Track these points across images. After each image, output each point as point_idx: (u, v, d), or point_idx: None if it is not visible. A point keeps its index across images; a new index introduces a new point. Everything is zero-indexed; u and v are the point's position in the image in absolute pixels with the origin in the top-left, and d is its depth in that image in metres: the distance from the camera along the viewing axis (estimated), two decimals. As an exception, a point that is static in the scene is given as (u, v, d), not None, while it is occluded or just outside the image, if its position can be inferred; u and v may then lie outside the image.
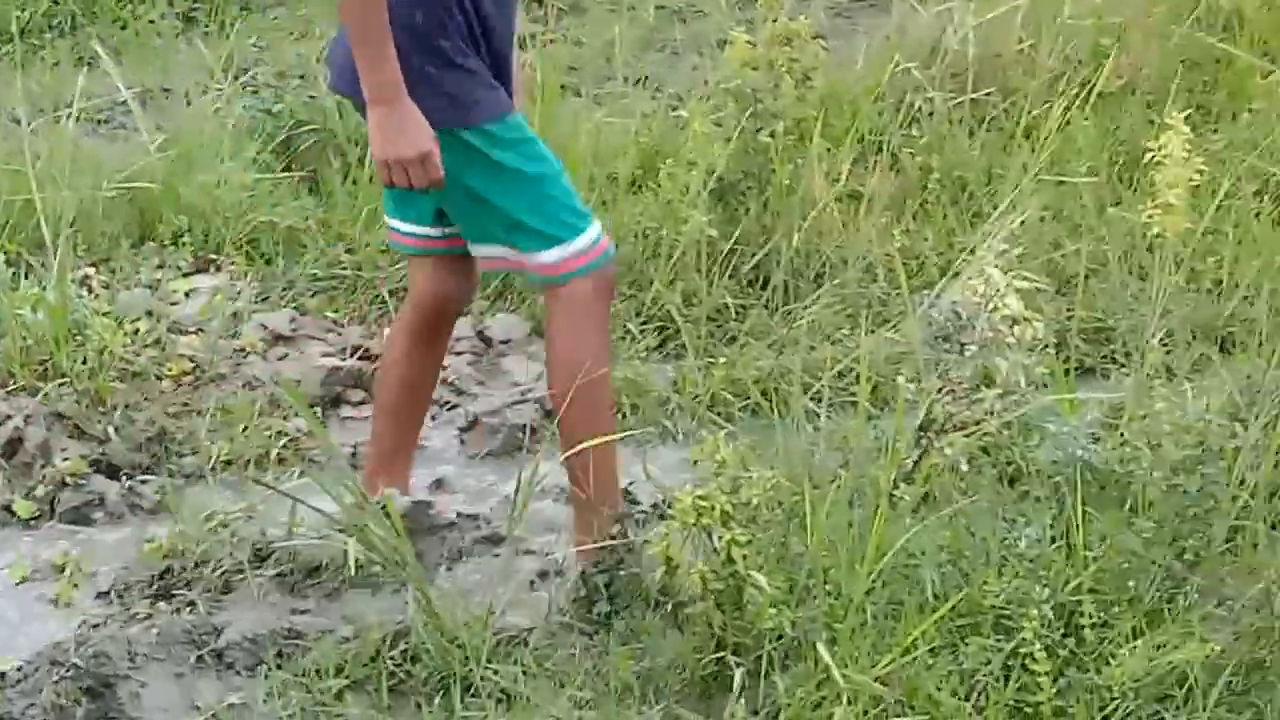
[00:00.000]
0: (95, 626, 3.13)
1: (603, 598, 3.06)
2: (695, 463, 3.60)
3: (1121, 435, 3.49)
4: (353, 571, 3.12)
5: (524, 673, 2.95)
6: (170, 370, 3.98)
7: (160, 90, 5.48)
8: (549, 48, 5.74)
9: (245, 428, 3.77)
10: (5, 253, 4.30)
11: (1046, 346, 3.34)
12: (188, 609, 3.16)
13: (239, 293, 4.37)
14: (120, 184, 4.62)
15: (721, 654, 2.94)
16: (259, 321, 4.25)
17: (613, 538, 3.04)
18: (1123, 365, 4.04)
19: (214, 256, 4.56)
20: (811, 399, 3.67)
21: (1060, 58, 5.16)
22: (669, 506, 3.06)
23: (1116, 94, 5.09)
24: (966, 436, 3.31)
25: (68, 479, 3.58)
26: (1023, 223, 4.18)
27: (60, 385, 3.84)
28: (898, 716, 2.82)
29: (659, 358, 4.16)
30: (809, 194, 4.41)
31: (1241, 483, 3.24)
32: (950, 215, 4.59)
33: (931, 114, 4.89)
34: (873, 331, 4.01)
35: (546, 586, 3.23)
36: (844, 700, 2.81)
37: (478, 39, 3.06)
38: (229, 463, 3.67)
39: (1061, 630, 3.01)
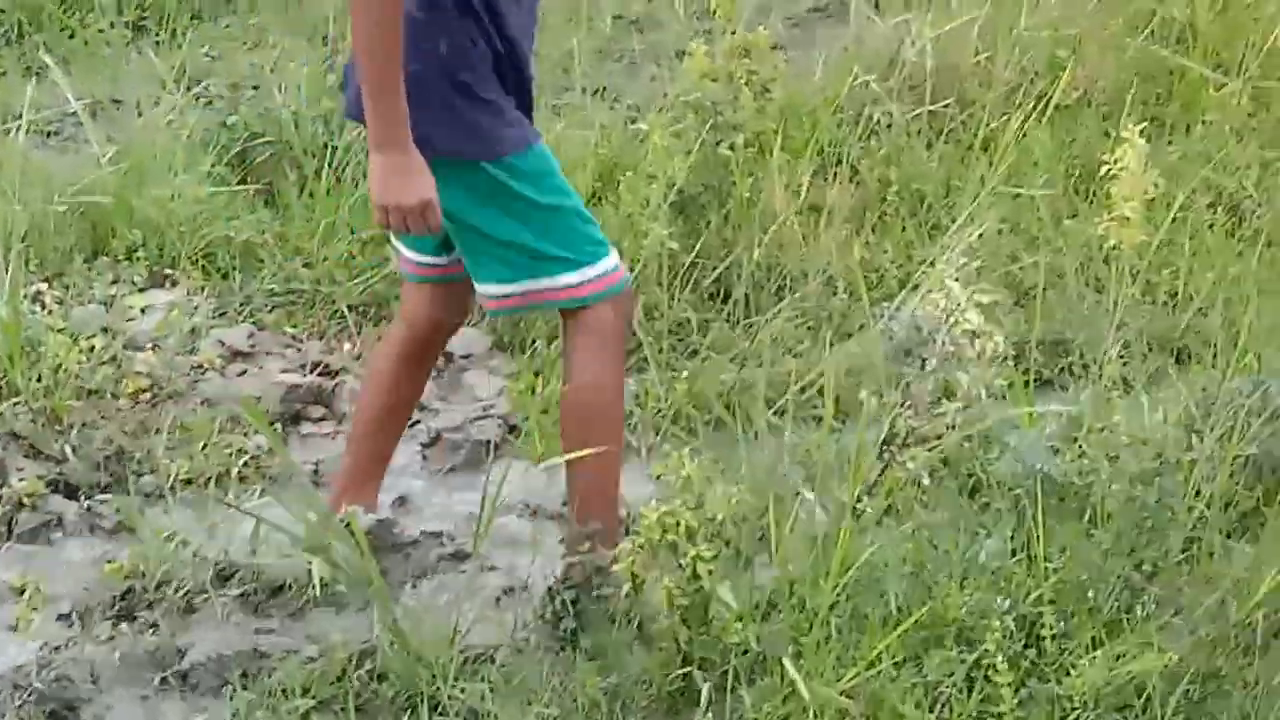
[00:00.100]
0: (57, 649, 3.11)
1: (569, 614, 3.06)
2: (658, 477, 3.63)
3: (1080, 448, 3.53)
4: (317, 591, 3.11)
5: (491, 691, 2.95)
6: (127, 388, 3.94)
7: (110, 101, 5.42)
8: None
9: (205, 445, 3.74)
10: (-45, 269, 4.25)
11: (1006, 359, 3.36)
12: (150, 630, 3.14)
13: (196, 308, 4.33)
14: (72, 197, 4.56)
15: (688, 669, 2.95)
16: (217, 337, 4.21)
17: (581, 554, 3.03)
18: (1080, 377, 4.07)
19: (169, 271, 4.51)
20: (774, 413, 3.68)
21: (1017, 69, 5.19)
22: (634, 522, 3.06)
23: (1072, 106, 5.14)
24: (928, 450, 3.33)
25: (25, 500, 3.54)
26: (981, 235, 4.21)
27: (15, 404, 3.80)
28: (864, 729, 2.84)
29: (621, 371, 4.15)
30: (769, 207, 4.43)
31: (1197, 494, 3.27)
32: (909, 227, 4.62)
33: (890, 126, 4.91)
34: (834, 344, 4.02)
35: (512, 603, 3.23)
36: (810, 714, 2.83)
37: (504, 69, 3.01)
38: (189, 481, 3.63)
39: (1023, 641, 3.05)
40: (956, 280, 3.36)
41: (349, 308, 4.37)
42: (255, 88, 5.33)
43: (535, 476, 3.66)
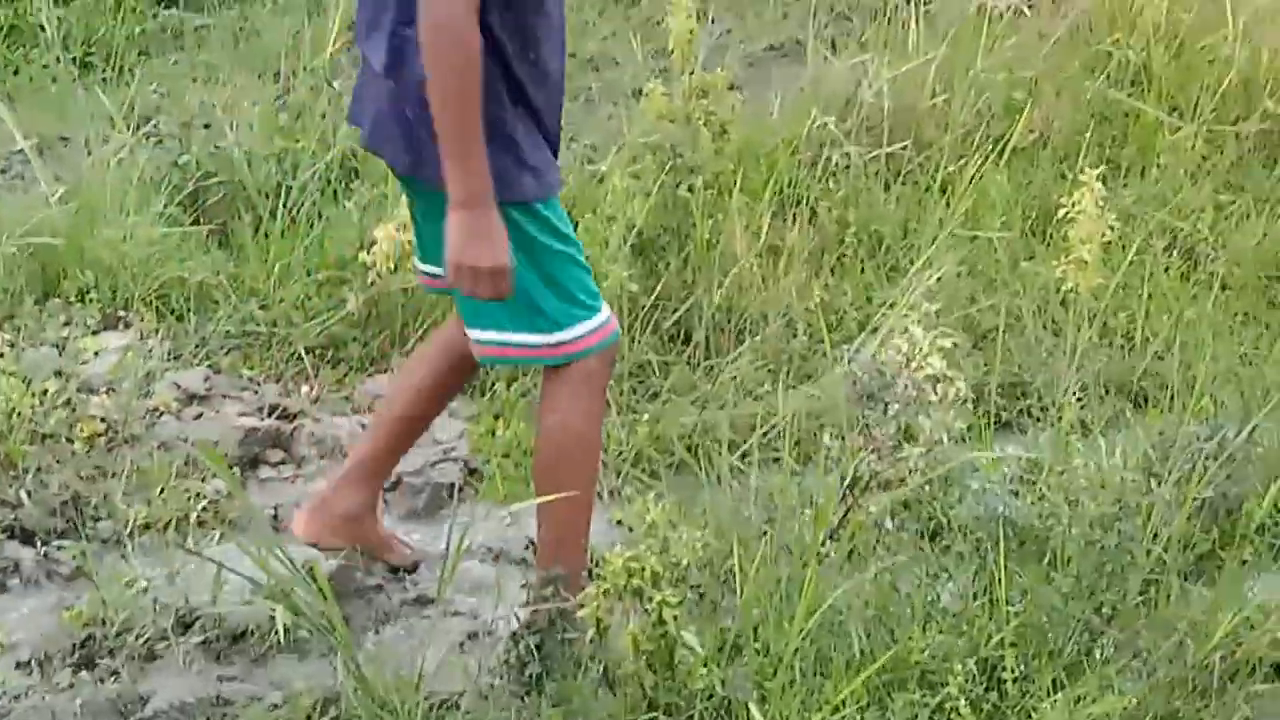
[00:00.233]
0: (16, 698, 3.07)
1: (534, 659, 3.05)
2: (619, 522, 3.63)
3: (1040, 491, 3.55)
4: (280, 637, 3.09)
5: (456, 737, 2.94)
6: (82, 432, 3.89)
7: (59, 139, 5.37)
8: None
9: (162, 490, 3.70)
10: (-97, 312, 4.20)
11: (966, 402, 3.38)
12: (111, 678, 3.11)
13: (150, 351, 4.28)
14: (21, 238, 4.48)
15: (654, 714, 2.94)
16: (172, 380, 4.17)
17: (546, 600, 3.02)
18: (1039, 419, 4.09)
19: (122, 313, 4.46)
20: (738, 456, 3.69)
21: (973, 111, 5.23)
22: (598, 566, 3.06)
23: (1029, 148, 5.18)
24: (891, 494, 3.34)
25: (-20, 546, 3.51)
26: (939, 278, 4.24)
27: (-32, 450, 3.76)
28: (829, 775, 2.84)
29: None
30: (729, 248, 4.43)
31: (1155, 537, 3.30)
32: (868, 269, 4.64)
33: (848, 167, 4.93)
34: (794, 387, 4.03)
35: (476, 648, 3.21)
36: (776, 759, 2.82)
37: (536, 107, 2.95)
38: (147, 526, 3.59)
39: (985, 684, 3.06)
40: (918, 324, 3.38)
41: (306, 350, 4.34)
42: (207, 126, 5.26)
43: (497, 520, 3.64)
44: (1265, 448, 3.62)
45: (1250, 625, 3.18)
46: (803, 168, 4.93)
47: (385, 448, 3.41)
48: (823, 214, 4.77)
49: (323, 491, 3.44)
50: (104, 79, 6.04)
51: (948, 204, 4.80)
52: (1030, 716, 2.96)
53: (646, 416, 3.98)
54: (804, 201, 4.82)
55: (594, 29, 6.52)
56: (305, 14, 6.30)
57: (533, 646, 3.04)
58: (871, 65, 5.30)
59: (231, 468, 3.76)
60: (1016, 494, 3.70)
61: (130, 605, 3.23)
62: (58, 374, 4.08)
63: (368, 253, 4.27)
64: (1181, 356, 4.21)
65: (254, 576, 3.13)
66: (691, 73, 4.68)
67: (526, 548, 3.56)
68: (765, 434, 3.73)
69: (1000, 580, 3.15)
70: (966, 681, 2.98)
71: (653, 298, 4.33)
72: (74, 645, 3.19)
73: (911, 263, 4.42)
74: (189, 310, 4.47)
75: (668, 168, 4.50)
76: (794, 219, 4.68)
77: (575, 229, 4.22)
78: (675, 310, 4.35)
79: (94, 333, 4.37)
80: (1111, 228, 3.93)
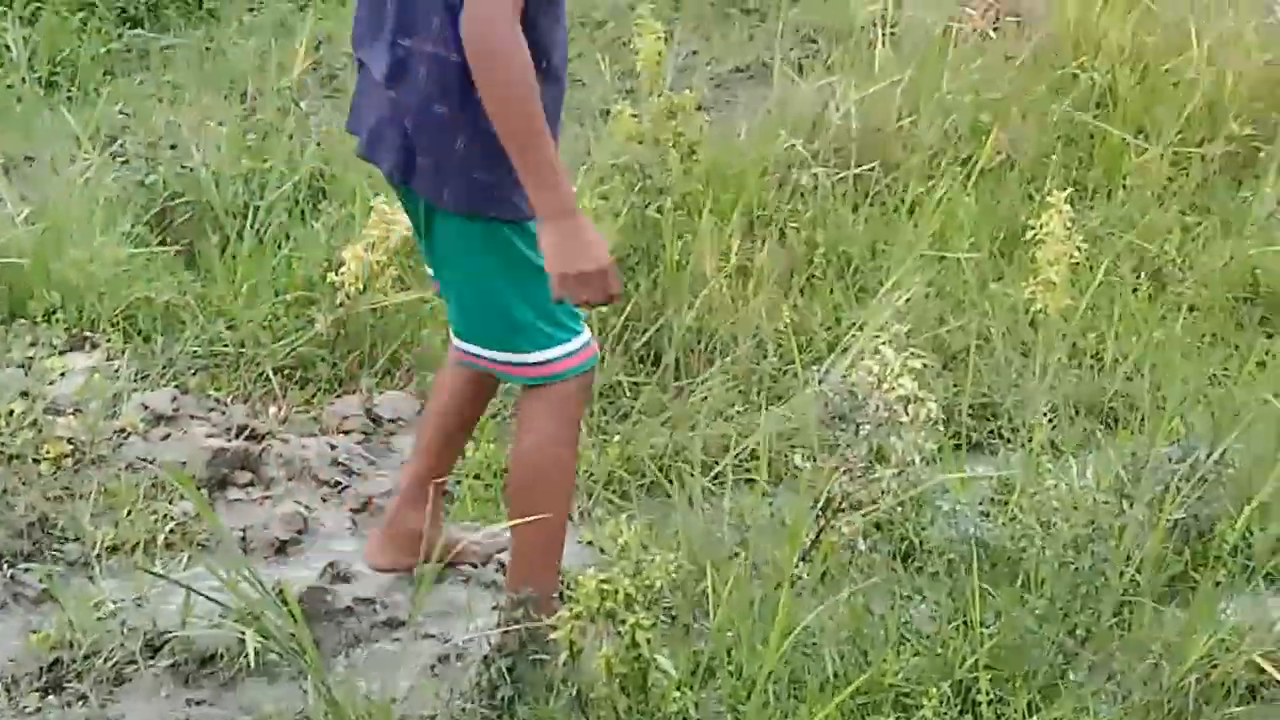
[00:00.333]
0: (-18, 723, 3.04)
1: (505, 683, 3.03)
2: (590, 543, 3.62)
3: (1012, 512, 3.56)
4: (250, 660, 3.06)
5: (428, 761, 2.92)
6: (48, 453, 3.85)
7: (24, 159, 5.33)
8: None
9: (130, 512, 3.67)
10: None
11: (937, 423, 3.38)
12: (79, 702, 3.07)
13: (117, 371, 4.25)
14: (-13, 259, 4.47)
15: (627, 738, 2.93)
16: (139, 401, 4.13)
17: (517, 622, 3.00)
18: (1009, 441, 4.10)
19: (89, 334, 4.43)
20: (710, 477, 3.68)
21: (940, 133, 5.25)
22: (571, 589, 3.04)
23: (996, 170, 5.19)
24: (863, 515, 3.34)
25: (-54, 568, 3.47)
26: (908, 299, 4.25)
27: (-67, 470, 3.72)
28: (805, 799, 2.83)
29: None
30: (699, 269, 4.43)
31: (1128, 559, 3.30)
32: (837, 290, 4.64)
33: (816, 188, 4.94)
34: (765, 408, 4.03)
35: (448, 671, 3.19)
36: (751, 784, 2.81)
37: (544, 95, 2.89)
38: (115, 549, 3.56)
39: (959, 707, 3.05)
40: (889, 345, 3.38)
41: (274, 370, 4.31)
42: (173, 146, 5.22)
43: (468, 542, 3.63)
44: (1236, 469, 3.63)
45: (1225, 647, 3.18)
46: (771, 189, 4.94)
47: (434, 465, 3.42)
48: (791, 235, 4.78)
49: (387, 518, 3.48)
50: (70, 99, 6.01)
51: (916, 225, 4.81)
52: (1004, 739, 2.96)
53: (617, 437, 3.97)
54: (773, 222, 4.82)
55: (561, 50, 6.51)
56: (271, 36, 6.29)
57: (504, 670, 3.02)
58: (839, 87, 5.31)
59: (199, 489, 3.74)
60: (987, 515, 3.71)
61: (98, 628, 3.21)
62: (24, 395, 4.04)
63: (336, 273, 4.26)
64: (1151, 378, 4.23)
65: (223, 599, 3.11)
66: (660, 94, 4.68)
67: (498, 570, 3.54)
68: (737, 455, 3.73)
69: (974, 602, 3.15)
70: (941, 704, 2.98)
71: (623, 318, 4.32)
72: (41, 669, 3.15)
73: (880, 284, 4.42)
74: (156, 331, 4.44)
75: (637, 188, 4.50)
76: (763, 240, 4.68)
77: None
78: (645, 331, 4.34)
79: (60, 353, 4.33)
80: (1079, 249, 3.95)
